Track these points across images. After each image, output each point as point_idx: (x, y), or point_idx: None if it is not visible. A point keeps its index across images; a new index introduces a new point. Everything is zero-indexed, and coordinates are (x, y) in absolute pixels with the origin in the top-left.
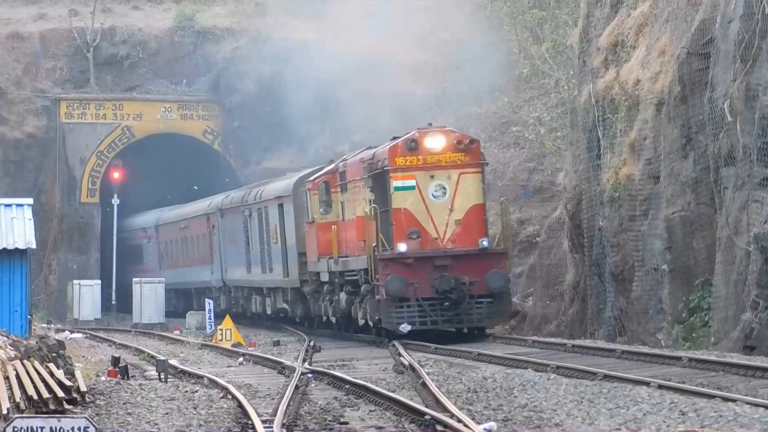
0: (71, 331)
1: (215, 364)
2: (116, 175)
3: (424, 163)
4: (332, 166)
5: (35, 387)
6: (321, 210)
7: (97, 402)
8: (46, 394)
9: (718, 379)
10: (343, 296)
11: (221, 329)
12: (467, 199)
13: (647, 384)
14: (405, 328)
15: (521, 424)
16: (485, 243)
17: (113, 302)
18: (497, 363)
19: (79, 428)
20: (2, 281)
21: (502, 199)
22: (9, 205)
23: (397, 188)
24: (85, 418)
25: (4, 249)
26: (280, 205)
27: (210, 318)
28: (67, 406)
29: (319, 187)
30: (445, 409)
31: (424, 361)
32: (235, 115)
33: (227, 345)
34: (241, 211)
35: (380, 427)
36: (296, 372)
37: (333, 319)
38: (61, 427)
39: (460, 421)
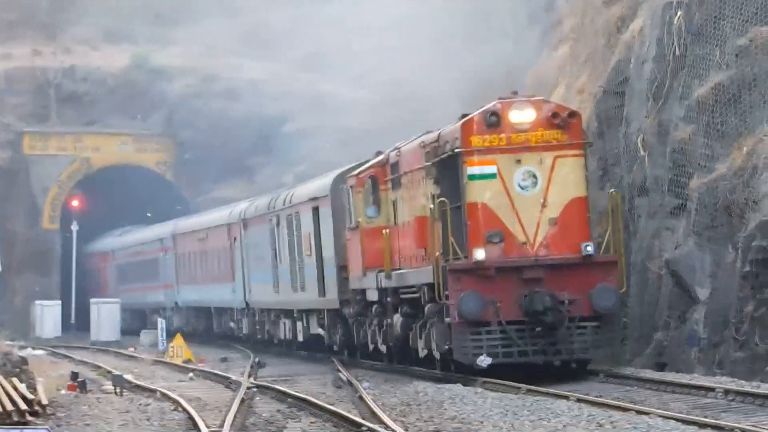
0: (33, 348)
1: (167, 379)
2: (75, 203)
3: (509, 144)
4: (381, 157)
5: None
6: (367, 212)
7: (58, 414)
8: (9, 407)
9: (632, 394)
10: (397, 319)
11: (173, 346)
12: (565, 191)
13: (567, 398)
14: (484, 361)
15: None
16: (590, 249)
17: (72, 321)
18: (428, 379)
19: None
20: None
21: (612, 191)
22: None
23: (472, 177)
24: (46, 429)
25: None
26: (315, 209)
27: (162, 336)
28: (29, 418)
29: (365, 184)
30: (380, 421)
31: (362, 376)
32: (186, 148)
33: (178, 361)
34: (268, 220)
35: None
36: (242, 386)
37: (383, 348)
38: None
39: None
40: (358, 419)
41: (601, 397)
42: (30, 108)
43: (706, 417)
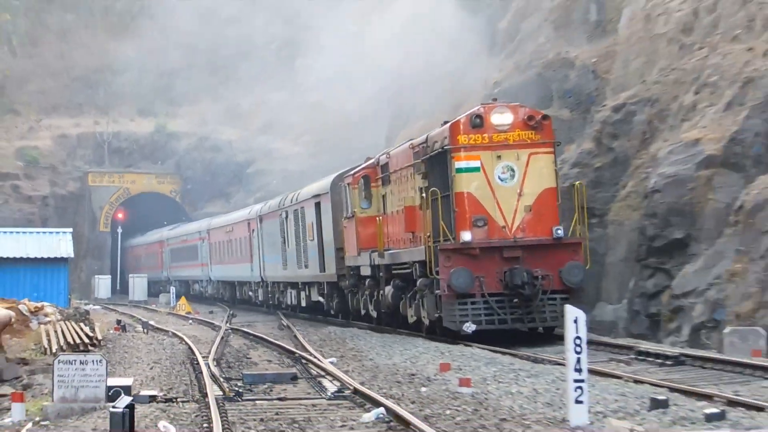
0: (93, 305)
1: (176, 324)
2: (120, 215)
3: (490, 142)
4: (372, 160)
5: (71, 336)
6: (361, 204)
7: (108, 346)
8: (78, 341)
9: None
10: (389, 290)
11: (180, 304)
12: (538, 183)
13: (423, 337)
14: (469, 327)
15: (352, 358)
16: (560, 232)
17: (117, 288)
18: (337, 324)
19: (95, 360)
20: (54, 276)
21: (577, 182)
22: (58, 232)
23: (459, 170)
24: (100, 354)
25: (56, 257)
26: (317, 204)
27: (174, 297)
28: (90, 348)
29: (359, 182)
30: (306, 350)
31: (296, 323)
32: (188, 182)
33: (182, 313)
34: (279, 215)
35: (269, 360)
36: (222, 329)
37: (374, 314)
38: (85, 360)
39: (315, 356)
40: (293, 348)
41: (445, 336)
42: (92, 157)
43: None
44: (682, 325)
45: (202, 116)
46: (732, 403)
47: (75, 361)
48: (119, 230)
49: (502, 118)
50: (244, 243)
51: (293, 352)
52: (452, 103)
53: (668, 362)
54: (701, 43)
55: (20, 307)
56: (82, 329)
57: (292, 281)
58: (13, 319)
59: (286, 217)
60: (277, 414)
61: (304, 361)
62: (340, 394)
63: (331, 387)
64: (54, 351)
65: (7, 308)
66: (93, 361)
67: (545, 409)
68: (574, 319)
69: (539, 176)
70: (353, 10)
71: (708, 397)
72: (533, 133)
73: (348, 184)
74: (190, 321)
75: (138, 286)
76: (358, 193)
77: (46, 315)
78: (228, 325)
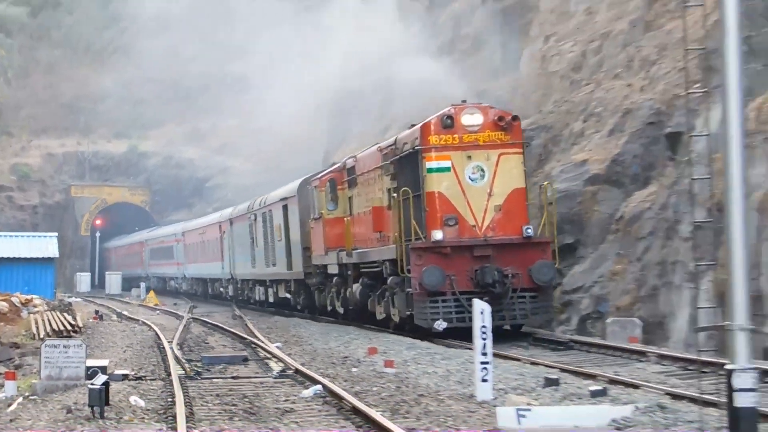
0: (75, 297)
1: (145, 314)
2: (98, 222)
3: (461, 143)
4: (338, 164)
5: (56, 324)
6: (328, 206)
7: (87, 332)
8: (61, 327)
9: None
10: (357, 288)
11: (149, 297)
12: (508, 183)
13: (358, 326)
14: (440, 325)
15: (294, 343)
16: (530, 231)
17: (96, 283)
18: (282, 315)
19: (75, 344)
20: (42, 273)
21: (545, 183)
22: (46, 236)
23: (430, 170)
24: (80, 340)
25: (44, 257)
26: (285, 206)
27: (144, 291)
28: (72, 334)
29: (325, 185)
30: (255, 336)
31: (247, 314)
32: (156, 194)
33: (151, 304)
34: (248, 218)
35: (224, 345)
36: (184, 318)
37: (341, 310)
38: (68, 344)
39: (262, 342)
40: (245, 335)
41: (378, 326)
42: (75, 172)
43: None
44: (571, 316)
45: (168, 138)
46: (612, 381)
47: (59, 345)
48: (98, 234)
49: (472, 118)
50: (215, 244)
51: (244, 338)
52: (380, 127)
53: (560, 347)
54: (588, 80)
55: (13, 299)
56: (65, 318)
57: (260, 279)
58: (6, 310)
59: (255, 219)
60: (230, 390)
61: (253, 345)
62: (284, 373)
63: (276, 368)
64: (41, 336)
65: (2, 300)
66: (74, 345)
67: (456, 386)
68: (481, 311)
69: (509, 176)
70: (297, 46)
71: (592, 377)
72: (503, 133)
73: (315, 187)
74: (158, 312)
75: (113, 281)
76: (325, 195)
77: (35, 306)
78: (190, 315)
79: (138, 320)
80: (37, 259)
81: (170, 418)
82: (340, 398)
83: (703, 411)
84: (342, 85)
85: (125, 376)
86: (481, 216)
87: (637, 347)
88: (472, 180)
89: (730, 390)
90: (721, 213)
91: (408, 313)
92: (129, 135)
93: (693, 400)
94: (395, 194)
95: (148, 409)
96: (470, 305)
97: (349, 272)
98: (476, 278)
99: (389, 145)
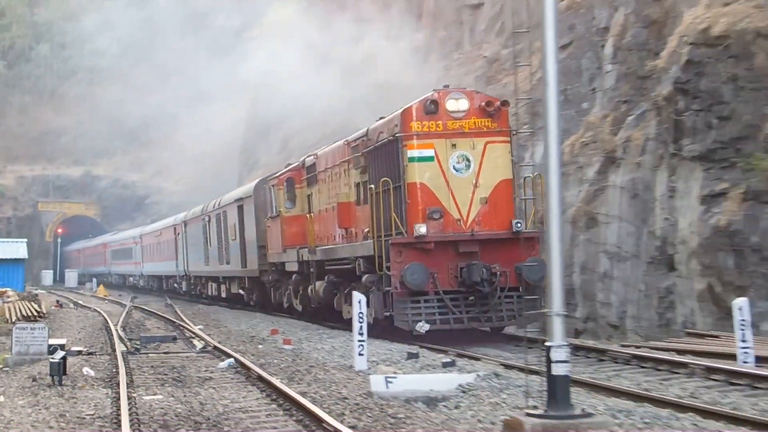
0: (41, 290)
1: (96, 303)
2: (59, 230)
3: (445, 130)
4: (297, 163)
5: (25, 311)
6: (286, 204)
7: (49, 317)
8: (29, 313)
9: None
10: (321, 285)
11: (99, 289)
12: (494, 174)
13: (264, 312)
14: (423, 327)
15: (213, 326)
16: (520, 225)
17: (57, 278)
18: (207, 303)
19: (40, 327)
20: (15, 270)
21: (535, 173)
22: (17, 241)
23: (412, 159)
24: (44, 323)
25: (15, 258)
26: (240, 207)
27: (95, 285)
28: (38, 318)
29: (283, 184)
30: (183, 320)
31: (178, 303)
32: (106, 209)
33: (101, 295)
34: (201, 219)
35: (158, 327)
36: (127, 306)
37: (299, 307)
38: (34, 326)
39: (188, 324)
40: (175, 320)
41: (297, 318)
42: (41, 191)
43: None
44: None
45: (115, 165)
46: (460, 355)
47: (27, 327)
48: (59, 240)
49: (457, 104)
50: (170, 244)
51: (174, 322)
52: (283, 158)
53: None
54: None
55: None
56: (32, 306)
57: (213, 275)
58: None
59: (209, 221)
60: (162, 363)
61: (181, 327)
62: (205, 349)
63: (198, 345)
64: (13, 321)
65: None
66: (39, 327)
67: (339, 359)
68: (359, 300)
69: (495, 167)
70: (217, 91)
71: (444, 351)
72: (490, 120)
73: (273, 186)
74: (106, 301)
75: (71, 277)
76: (283, 194)
77: (8, 297)
78: (132, 304)
79: (90, 308)
80: (10, 259)
81: (114, 384)
82: (248, 369)
83: (528, 378)
84: (251, 121)
85: (79, 352)
86: (467, 209)
87: (481, 327)
88: (456, 170)
89: (549, 362)
90: (542, 225)
91: (386, 314)
92: (84, 162)
93: (521, 369)
94: (371, 186)
95: (97, 378)
96: (455, 305)
97: (312, 270)
98: (462, 276)
99: (359, 137)
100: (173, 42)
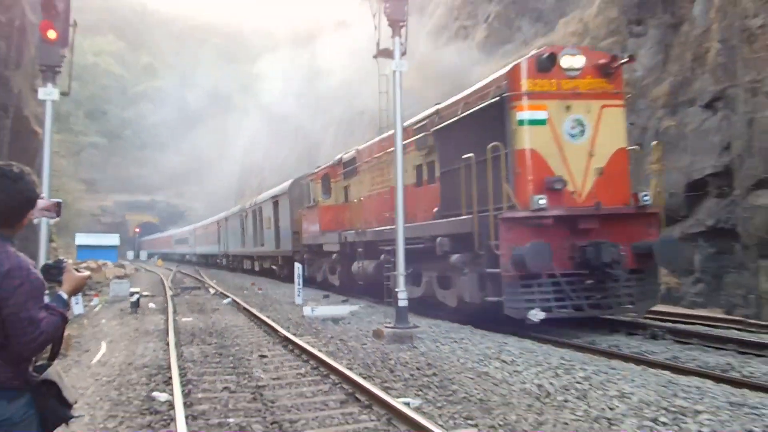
0: (126, 262)
1: (155, 269)
2: (137, 230)
3: (559, 90)
4: (331, 162)
5: (117, 272)
6: (323, 196)
7: (131, 276)
8: (119, 274)
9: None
10: (369, 264)
11: (158, 261)
12: (611, 142)
13: (243, 273)
14: (537, 315)
15: (221, 282)
16: (647, 198)
17: (136, 256)
18: (233, 272)
19: (125, 281)
20: (111, 252)
21: (655, 142)
22: (113, 235)
23: (522, 122)
24: (128, 279)
25: (111, 245)
26: (275, 202)
27: (155, 259)
28: (124, 276)
29: (321, 178)
30: (203, 279)
31: (209, 271)
32: (163, 219)
33: (159, 265)
34: (239, 215)
35: (191, 282)
36: (173, 271)
37: (336, 282)
38: (122, 281)
39: (207, 281)
40: (199, 278)
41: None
42: (127, 208)
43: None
44: None
45: (167, 194)
46: (351, 296)
47: (118, 281)
48: (137, 235)
49: (573, 60)
50: (214, 234)
51: (200, 279)
52: (260, 190)
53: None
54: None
55: (99, 263)
56: (122, 270)
57: (248, 255)
58: (95, 266)
59: (246, 216)
60: (191, 300)
61: (203, 283)
62: (215, 293)
63: (212, 291)
64: (110, 278)
65: (94, 264)
66: (125, 281)
67: (287, 298)
68: (299, 267)
69: (611, 133)
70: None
71: (343, 294)
72: (606, 81)
73: (311, 180)
74: (163, 268)
75: (143, 255)
76: (320, 187)
77: (107, 266)
78: (177, 269)
79: (153, 272)
80: (108, 245)
81: (165, 312)
82: (239, 304)
83: (387, 308)
84: (242, 172)
85: (147, 295)
86: (581, 180)
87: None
88: (571, 136)
89: (397, 299)
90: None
91: (489, 299)
92: (150, 193)
93: (384, 304)
94: (429, 168)
95: (156, 309)
96: (572, 290)
97: (360, 249)
98: (584, 257)
99: (426, 118)
100: (205, 118)
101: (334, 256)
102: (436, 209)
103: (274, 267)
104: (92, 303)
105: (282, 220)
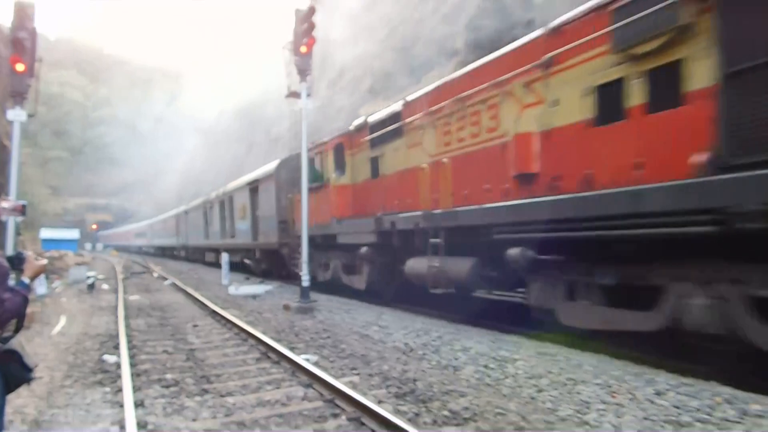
0: (85, 252)
1: (108, 258)
2: (95, 226)
3: None
4: (350, 127)
5: (77, 260)
6: (337, 172)
7: (89, 263)
8: (79, 262)
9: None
10: (463, 264)
11: (112, 252)
12: None
13: (178, 260)
14: None
15: (164, 267)
16: None
17: (93, 248)
18: (157, 257)
19: (84, 266)
20: (71, 244)
21: None
22: (74, 229)
23: None
24: (87, 265)
25: (72, 239)
26: (253, 189)
27: (111, 249)
28: (84, 263)
29: (331, 152)
30: (148, 266)
31: (155, 260)
32: (117, 218)
33: (113, 255)
34: (202, 207)
35: (139, 268)
36: (124, 259)
37: (362, 286)
38: (81, 266)
39: (152, 268)
40: (146, 265)
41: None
42: (87, 209)
43: None
44: None
45: (119, 199)
46: (267, 279)
47: (77, 266)
48: (95, 230)
49: None
50: (172, 227)
51: (146, 266)
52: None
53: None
54: None
55: (61, 253)
56: (81, 258)
57: (213, 247)
58: (57, 256)
59: (210, 207)
60: (139, 283)
61: (149, 269)
62: (158, 276)
63: (157, 275)
64: (71, 264)
65: (56, 254)
66: (84, 266)
67: (217, 279)
68: (226, 255)
69: None
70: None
71: (260, 277)
72: None
73: (318, 153)
74: (117, 257)
75: (99, 246)
76: (331, 162)
77: (67, 255)
78: (128, 257)
79: (108, 260)
80: (70, 239)
81: (116, 292)
82: (177, 285)
83: (294, 288)
84: (185, 171)
85: (101, 279)
86: None
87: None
88: None
89: (301, 282)
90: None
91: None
92: (106, 197)
93: (293, 285)
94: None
95: (108, 290)
96: None
97: (439, 240)
98: None
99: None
100: (151, 139)
101: (364, 249)
102: (641, 159)
103: (247, 261)
104: (54, 285)
105: (262, 208)
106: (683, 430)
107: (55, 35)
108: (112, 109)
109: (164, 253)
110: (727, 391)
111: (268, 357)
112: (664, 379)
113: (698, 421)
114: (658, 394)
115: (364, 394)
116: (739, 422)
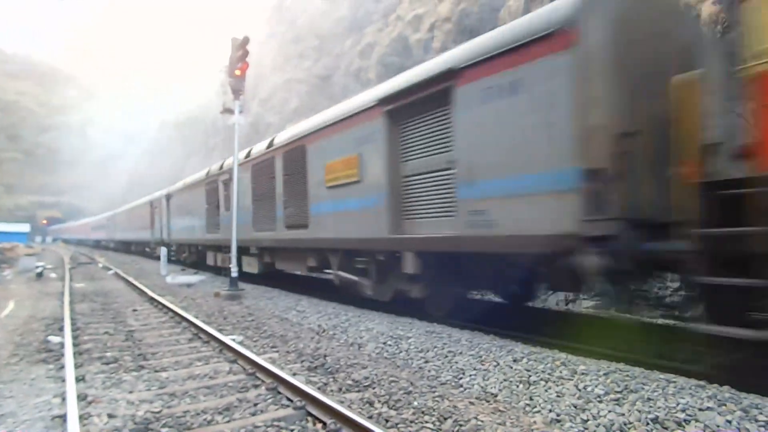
0: (34, 244)
1: (59, 250)
2: (45, 221)
3: None
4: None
5: (26, 251)
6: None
7: (38, 253)
8: (28, 252)
9: None
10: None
11: (60, 243)
12: None
13: (132, 254)
14: None
15: (110, 260)
16: None
17: (44, 241)
18: (109, 251)
19: (34, 257)
20: (22, 236)
21: None
22: (25, 224)
23: None
24: (36, 256)
25: (22, 232)
26: (225, 182)
27: (59, 241)
28: (32, 254)
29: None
30: (95, 258)
31: (100, 252)
32: (66, 214)
33: (62, 246)
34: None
35: (86, 259)
36: (72, 251)
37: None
38: (30, 256)
39: (97, 259)
40: (92, 257)
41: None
42: (39, 206)
43: None
44: None
45: (68, 196)
46: (204, 270)
47: (27, 257)
48: (46, 224)
49: None
50: (145, 218)
51: (92, 258)
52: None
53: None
54: None
55: (13, 245)
56: (31, 249)
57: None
58: (9, 247)
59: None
60: (85, 272)
61: (94, 260)
62: (103, 266)
63: (101, 266)
64: (21, 255)
65: (9, 246)
66: (33, 256)
67: (159, 271)
68: (164, 249)
69: None
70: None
71: (195, 268)
72: None
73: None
74: (65, 249)
75: (49, 240)
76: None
77: (18, 246)
78: (75, 249)
79: (56, 252)
80: (20, 232)
81: (63, 280)
82: (119, 275)
83: (224, 278)
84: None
85: (50, 268)
86: None
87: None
88: None
89: (230, 273)
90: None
91: None
92: (57, 195)
93: (225, 277)
94: None
95: (56, 278)
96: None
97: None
98: None
99: None
100: (100, 144)
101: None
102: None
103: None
104: (5, 273)
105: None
106: (531, 387)
107: (12, 48)
108: (65, 117)
109: (131, 249)
110: (563, 356)
111: (199, 337)
112: (520, 349)
113: (542, 380)
114: (515, 360)
115: (281, 368)
116: (570, 379)
